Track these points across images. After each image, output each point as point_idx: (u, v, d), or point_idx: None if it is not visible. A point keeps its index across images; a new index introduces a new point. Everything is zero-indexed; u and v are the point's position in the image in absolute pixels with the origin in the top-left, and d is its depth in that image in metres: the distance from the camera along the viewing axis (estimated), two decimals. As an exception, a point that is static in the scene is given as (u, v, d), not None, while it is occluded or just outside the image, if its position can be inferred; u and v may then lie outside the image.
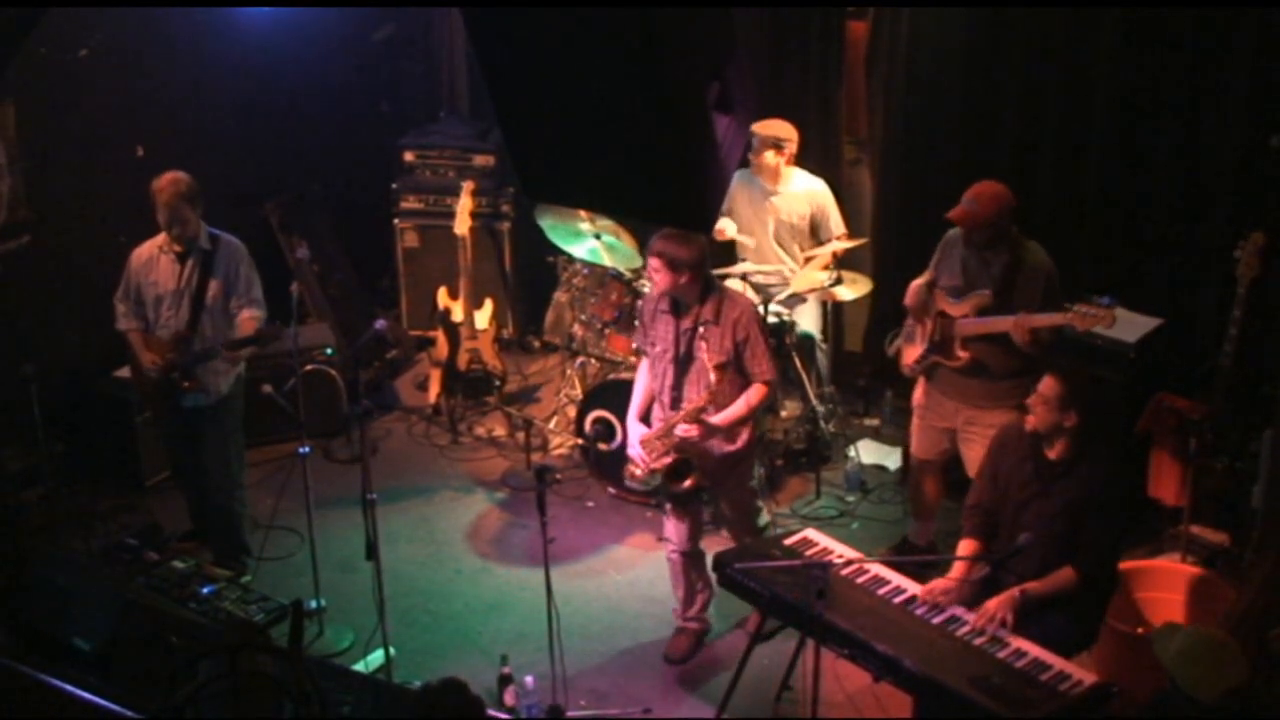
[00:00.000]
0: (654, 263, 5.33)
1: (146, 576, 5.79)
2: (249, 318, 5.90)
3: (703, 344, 5.34)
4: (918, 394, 5.98)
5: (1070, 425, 4.81)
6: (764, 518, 5.90)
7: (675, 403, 5.46)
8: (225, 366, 5.99)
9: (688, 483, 5.49)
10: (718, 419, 5.39)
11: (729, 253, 7.03)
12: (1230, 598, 5.14)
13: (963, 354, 5.63)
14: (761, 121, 6.62)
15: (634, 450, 5.56)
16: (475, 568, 6.43)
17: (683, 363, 5.42)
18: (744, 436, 5.51)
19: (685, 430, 5.38)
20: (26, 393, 6.12)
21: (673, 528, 5.68)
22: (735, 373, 5.38)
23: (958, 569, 4.93)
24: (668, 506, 5.67)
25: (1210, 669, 3.95)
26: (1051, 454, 4.91)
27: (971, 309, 5.58)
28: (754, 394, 5.40)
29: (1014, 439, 5.04)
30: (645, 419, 5.62)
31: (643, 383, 5.64)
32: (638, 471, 5.56)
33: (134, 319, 5.97)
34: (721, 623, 5.92)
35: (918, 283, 5.83)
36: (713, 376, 5.31)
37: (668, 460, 5.46)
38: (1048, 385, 4.83)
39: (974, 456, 5.79)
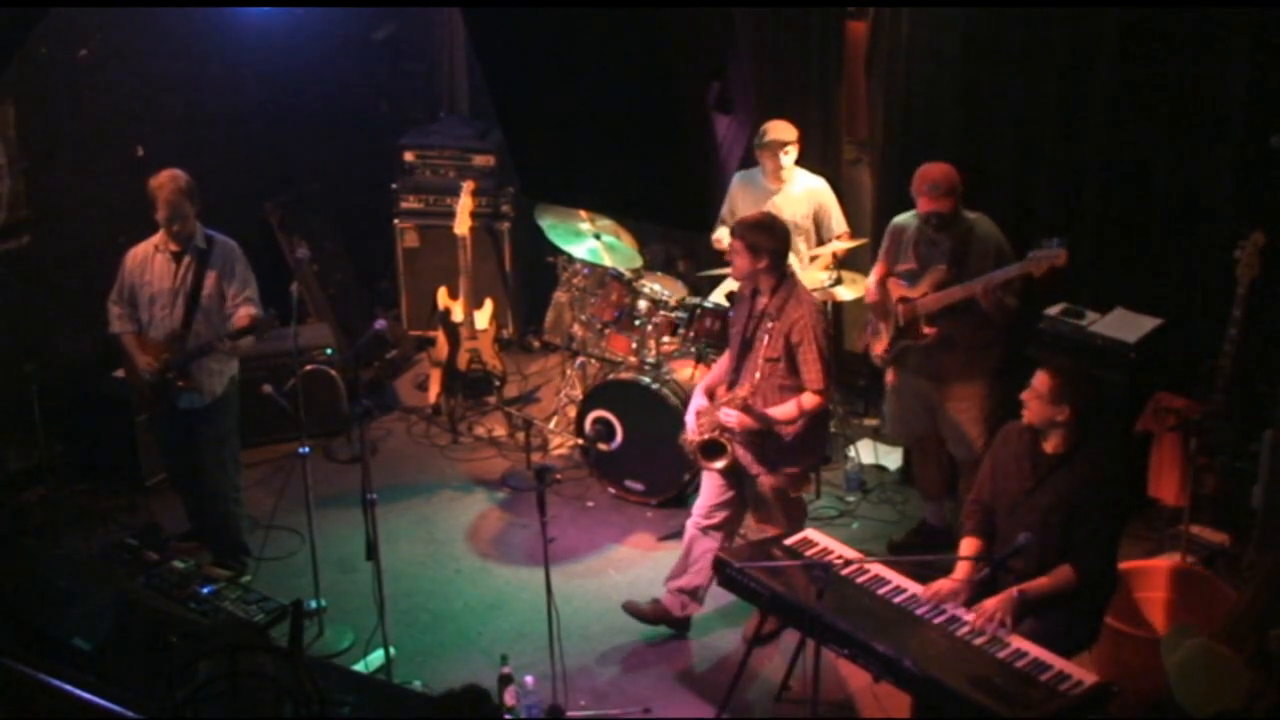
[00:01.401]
0: (735, 245, 5.42)
1: (146, 576, 5.80)
2: (245, 314, 5.90)
3: (762, 334, 5.40)
4: (889, 376, 6.12)
5: (1064, 419, 4.84)
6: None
7: (733, 385, 5.53)
8: (220, 366, 5.98)
9: (719, 463, 5.52)
10: (773, 411, 5.42)
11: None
12: (1230, 598, 5.14)
13: (929, 331, 5.76)
14: (768, 123, 6.65)
15: (689, 419, 5.64)
16: (475, 568, 6.43)
17: (745, 348, 5.48)
18: (789, 438, 5.48)
19: (726, 416, 5.42)
20: (27, 393, 6.12)
21: (701, 495, 5.75)
22: (788, 373, 5.41)
23: (962, 569, 4.92)
24: (701, 476, 5.74)
25: (1206, 686, 3.93)
26: (1048, 447, 4.93)
27: (930, 286, 5.74)
28: (803, 400, 5.41)
29: (1014, 435, 5.06)
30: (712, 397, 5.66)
31: (723, 360, 5.72)
32: (688, 441, 5.62)
33: (128, 322, 5.97)
34: (722, 623, 5.91)
35: (873, 280, 6.01)
36: (758, 373, 5.38)
37: (707, 437, 5.51)
38: (1040, 380, 4.86)
39: (949, 429, 5.93)
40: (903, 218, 5.95)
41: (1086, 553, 4.83)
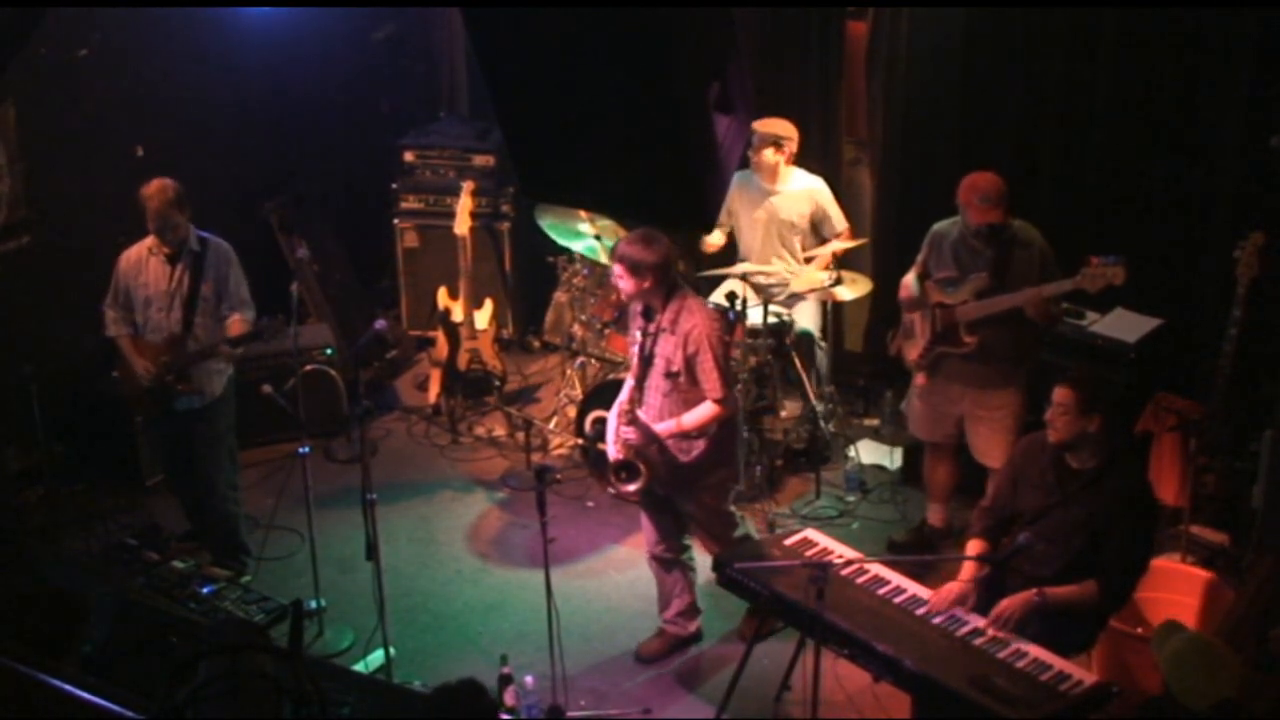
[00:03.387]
0: (617, 268, 5.28)
1: (146, 576, 5.79)
2: (237, 320, 5.91)
3: (659, 350, 5.31)
4: (919, 378, 6.03)
5: (1095, 429, 4.77)
6: (745, 529, 5.77)
7: (639, 404, 5.41)
8: (218, 366, 5.99)
9: (634, 485, 5.40)
10: (657, 427, 5.32)
11: (729, 253, 7.03)
12: (1230, 598, 5.14)
13: (969, 339, 5.69)
14: (762, 119, 6.62)
15: (609, 448, 5.54)
16: (475, 568, 6.43)
17: (645, 365, 5.38)
18: (696, 451, 5.39)
19: (625, 433, 5.34)
20: (26, 393, 6.12)
21: (644, 530, 5.70)
22: (690, 385, 5.30)
23: (967, 569, 4.91)
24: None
25: (1202, 677, 3.92)
26: (1075, 463, 4.87)
27: (970, 293, 5.66)
28: (700, 411, 5.29)
29: (1037, 448, 5.00)
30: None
31: (630, 380, 5.63)
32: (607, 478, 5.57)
33: (123, 325, 5.97)
34: (721, 623, 5.91)
35: (909, 279, 5.91)
36: (660, 390, 5.30)
37: (620, 458, 5.41)
38: (1063, 395, 4.78)
39: (981, 440, 5.86)
40: (943, 225, 5.84)
41: (1114, 571, 4.79)
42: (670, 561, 5.67)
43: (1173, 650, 3.98)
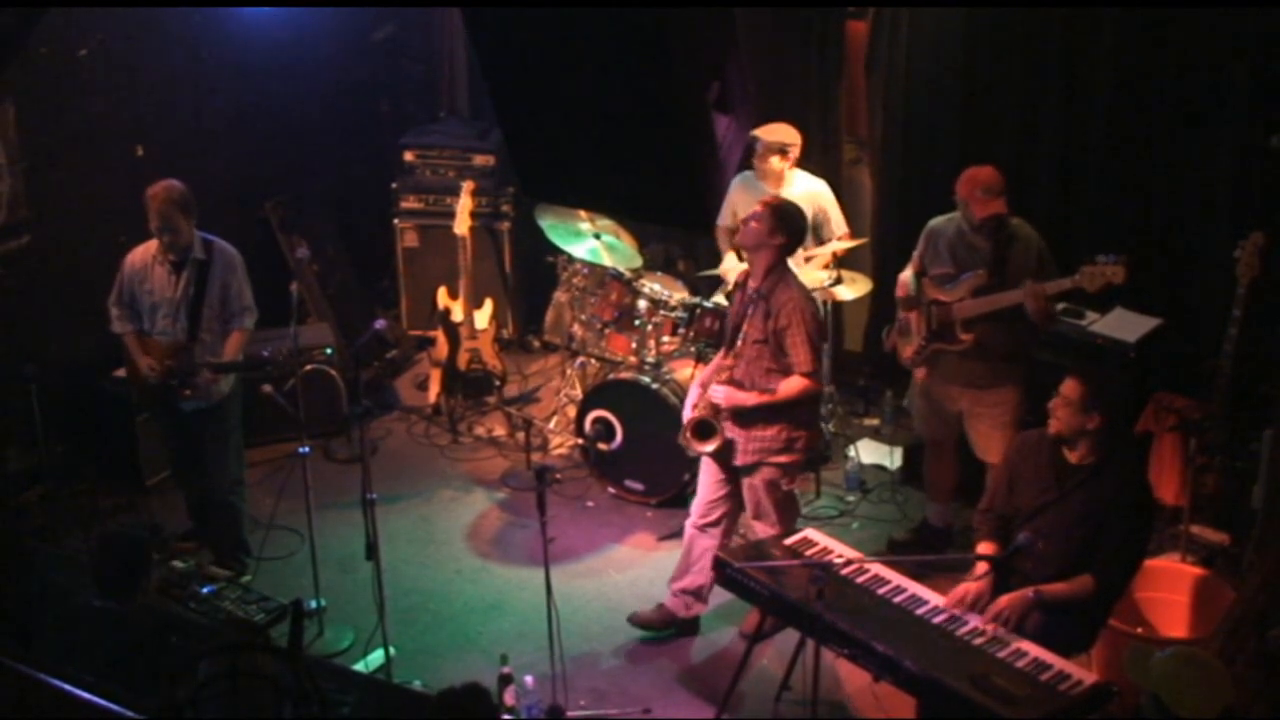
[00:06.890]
0: (760, 210, 5.41)
1: (146, 576, 5.78)
2: (236, 340, 5.94)
3: (750, 316, 5.42)
4: (919, 374, 6.03)
5: (1094, 427, 4.76)
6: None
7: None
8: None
9: (710, 445, 5.50)
10: (746, 392, 5.41)
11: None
12: (1230, 598, 5.14)
13: (966, 337, 5.69)
14: (766, 126, 6.63)
15: (685, 412, 5.64)
16: (475, 568, 6.43)
17: (735, 331, 5.50)
18: (778, 425, 5.46)
19: (714, 392, 5.44)
20: (26, 393, 6.12)
21: (695, 497, 5.75)
22: (775, 356, 5.40)
23: (980, 568, 4.89)
24: (699, 474, 5.74)
25: (1200, 690, 3.87)
26: (1074, 458, 4.87)
27: (968, 291, 5.66)
28: (788, 383, 5.39)
29: (1033, 445, 5.00)
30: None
31: (718, 357, 5.74)
32: (682, 435, 5.64)
33: (129, 322, 5.97)
34: (721, 621, 5.92)
35: (906, 276, 5.91)
36: (746, 355, 5.41)
37: (699, 415, 5.51)
38: (1070, 388, 4.77)
39: (981, 436, 5.86)
40: (939, 221, 5.83)
41: (1110, 565, 4.79)
42: (709, 534, 5.68)
43: (1163, 671, 3.91)
